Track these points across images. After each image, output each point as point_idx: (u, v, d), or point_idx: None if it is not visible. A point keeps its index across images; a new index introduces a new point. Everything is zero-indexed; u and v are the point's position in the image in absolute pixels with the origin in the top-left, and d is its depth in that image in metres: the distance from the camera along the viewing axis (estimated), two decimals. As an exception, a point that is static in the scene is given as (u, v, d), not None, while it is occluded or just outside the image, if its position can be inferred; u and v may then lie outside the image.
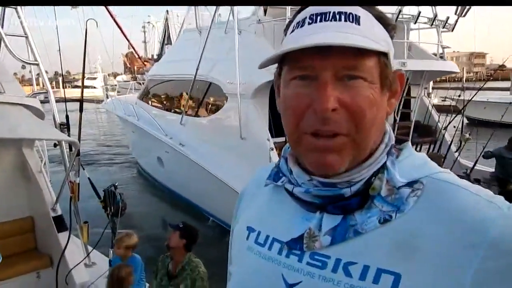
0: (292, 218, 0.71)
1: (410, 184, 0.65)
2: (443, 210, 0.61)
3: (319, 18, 0.63)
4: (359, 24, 0.62)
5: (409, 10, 7.06)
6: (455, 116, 7.20)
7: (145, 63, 43.27)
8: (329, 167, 0.64)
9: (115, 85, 22.33)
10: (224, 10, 8.18)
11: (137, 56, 44.37)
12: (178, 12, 38.08)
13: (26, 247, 4.36)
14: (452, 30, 7.51)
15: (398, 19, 6.83)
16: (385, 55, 0.65)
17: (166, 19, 36.83)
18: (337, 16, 0.63)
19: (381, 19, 0.66)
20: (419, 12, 6.94)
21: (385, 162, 0.67)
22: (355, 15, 0.63)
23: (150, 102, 10.98)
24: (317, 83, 0.62)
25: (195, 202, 8.00)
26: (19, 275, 4.05)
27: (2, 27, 4.16)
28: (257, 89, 6.44)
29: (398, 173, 0.66)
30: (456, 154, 7.17)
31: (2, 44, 4.43)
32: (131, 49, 44.92)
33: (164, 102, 10.39)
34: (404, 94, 7.71)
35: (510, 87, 20.21)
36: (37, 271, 4.19)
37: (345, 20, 0.62)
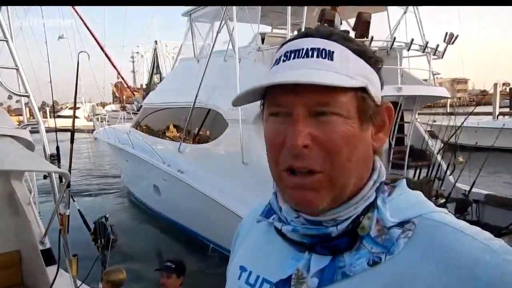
0: (282, 257, 0.70)
1: (401, 224, 0.62)
2: (435, 254, 0.58)
3: (292, 55, 0.64)
4: (331, 59, 0.62)
5: (399, 37, 7.30)
6: (447, 140, 7.35)
7: (134, 92, 43.52)
8: (307, 204, 0.63)
9: (105, 115, 22.27)
10: (223, 38, 8.33)
11: (126, 86, 44.66)
12: (166, 42, 38.71)
13: (12, 282, 4.21)
14: (442, 57, 7.77)
15: (385, 47, 7.06)
16: (363, 89, 0.64)
17: (155, 49, 37.35)
18: (310, 53, 0.63)
19: (361, 52, 0.66)
20: (412, 40, 7.17)
21: (375, 200, 0.65)
22: (328, 50, 0.63)
23: (145, 130, 11.00)
24: (290, 120, 0.62)
25: (194, 229, 7.89)
26: None
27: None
28: (258, 114, 6.51)
29: (389, 212, 0.64)
30: (451, 177, 7.27)
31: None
32: (120, 79, 45.27)
33: (160, 130, 10.41)
34: (398, 119, 7.88)
35: (492, 112, 20.71)
36: (23, 307, 4.05)
37: (317, 56, 0.63)
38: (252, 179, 6.18)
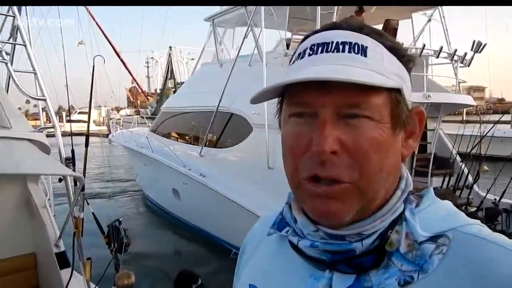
0: (298, 276, 0.64)
1: (433, 238, 0.57)
2: (475, 274, 0.52)
3: (320, 48, 0.58)
4: (365, 55, 0.57)
5: (422, 44, 7.30)
6: (472, 148, 7.26)
7: (148, 97, 43.98)
8: (332, 216, 0.57)
9: (119, 119, 22.56)
10: (247, 43, 8.39)
11: (140, 91, 45.17)
12: (181, 47, 39.12)
13: (27, 285, 4.25)
14: (469, 65, 7.73)
15: (414, 55, 7.11)
16: (398, 90, 0.58)
17: (169, 55, 37.75)
18: (340, 47, 0.57)
19: (395, 50, 0.60)
20: (441, 47, 7.21)
21: (403, 212, 0.59)
22: (361, 45, 0.57)
23: (164, 134, 11.08)
24: (316, 122, 0.57)
25: (215, 234, 7.89)
26: None
27: (12, 64, 4.23)
28: None
29: (419, 225, 0.58)
30: (475, 186, 7.19)
31: (10, 80, 4.52)
32: (135, 84, 45.83)
33: (180, 134, 10.49)
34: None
35: (510, 121, 20.29)
36: (38, 309, 4.08)
37: (349, 51, 0.57)
38: (278, 184, 6.16)
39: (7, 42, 4.15)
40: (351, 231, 0.59)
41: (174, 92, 34.19)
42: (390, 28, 7.78)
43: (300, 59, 0.60)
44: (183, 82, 34.82)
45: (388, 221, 0.58)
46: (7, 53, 4.11)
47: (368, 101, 0.55)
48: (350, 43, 0.57)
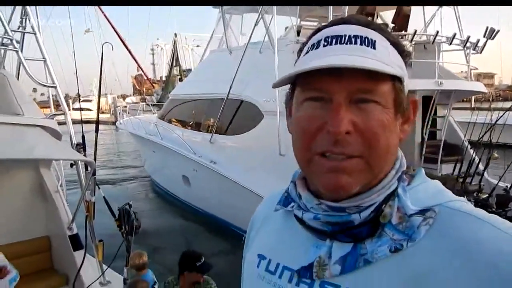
0: (302, 245, 0.70)
1: (422, 212, 0.63)
2: (456, 241, 0.59)
3: (334, 40, 0.64)
4: (374, 48, 0.63)
5: (433, 31, 7.25)
6: (483, 135, 7.23)
7: (154, 84, 43.97)
8: (341, 188, 0.63)
9: (125, 106, 22.65)
10: (257, 30, 8.38)
11: (146, 78, 45.16)
12: (186, 34, 38.89)
13: (42, 266, 4.41)
14: (481, 52, 7.65)
15: (427, 41, 7.09)
16: (399, 80, 0.65)
17: (175, 42, 37.54)
18: (353, 40, 0.63)
19: (396, 45, 0.67)
20: (454, 34, 7.14)
21: (396, 189, 0.66)
22: (371, 39, 0.63)
23: (173, 121, 11.13)
24: (331, 106, 0.62)
25: (226, 219, 7.96)
26: None
27: (22, 52, 4.31)
28: None
29: (409, 201, 0.64)
30: (486, 174, 7.17)
31: (21, 68, 4.60)
32: (140, 71, 45.80)
33: (189, 121, 10.52)
34: (432, 113, 7.86)
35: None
36: (54, 289, 4.23)
37: (361, 44, 0.62)
38: (290, 171, 6.21)
39: (17, 31, 4.22)
40: (350, 204, 0.64)
41: (180, 79, 34.14)
42: (403, 15, 7.73)
43: (315, 49, 0.65)
44: (189, 69, 34.80)
45: (383, 196, 0.65)
46: (17, 41, 4.18)
47: (377, 88, 0.62)
48: (361, 36, 0.63)
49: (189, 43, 38.24)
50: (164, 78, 41.45)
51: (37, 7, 4.51)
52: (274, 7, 7.32)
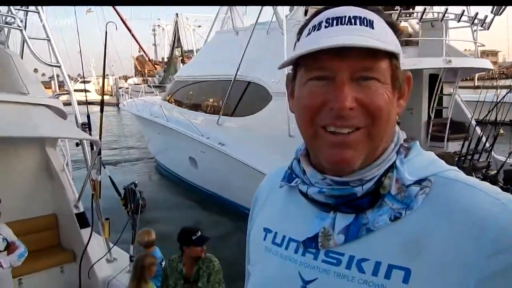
0: (307, 218, 0.73)
1: (418, 182, 0.67)
2: (450, 207, 0.63)
3: (335, 21, 0.66)
4: (373, 28, 0.65)
5: (433, 8, 7.16)
6: (488, 112, 7.23)
7: (156, 66, 43.73)
8: (345, 162, 0.66)
9: (127, 88, 22.58)
10: (265, 10, 8.29)
11: (147, 59, 44.88)
12: (187, 14, 38.45)
13: (50, 243, 4.49)
14: (488, 28, 7.56)
15: (437, 19, 7.02)
16: (396, 58, 0.68)
17: (176, 22, 37.16)
18: (353, 20, 0.65)
19: (391, 24, 0.69)
20: (463, 11, 7.03)
21: (395, 161, 0.69)
22: (369, 19, 0.66)
23: (178, 103, 11.06)
24: (334, 83, 0.64)
25: (234, 201, 7.98)
26: (44, 269, 4.19)
27: (25, 30, 4.30)
28: None
29: (407, 172, 0.68)
30: (493, 153, 7.18)
31: (25, 47, 4.59)
32: (142, 52, 45.49)
33: (196, 103, 10.46)
34: (438, 91, 7.84)
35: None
36: (61, 265, 4.33)
37: (360, 24, 0.65)
38: None
39: (21, 9, 4.20)
40: (354, 178, 0.68)
41: (182, 60, 33.94)
42: None
43: (317, 30, 0.67)
44: (190, 50, 34.55)
45: (383, 169, 0.68)
46: (21, 20, 4.16)
47: (377, 66, 0.65)
48: (360, 17, 0.66)
49: (190, 24, 37.81)
50: (166, 60, 41.21)
51: None
52: None
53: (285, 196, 0.81)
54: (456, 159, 6.94)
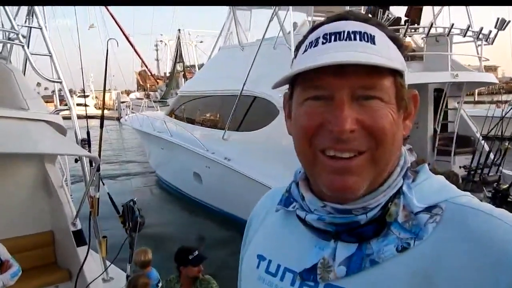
0: (304, 246, 0.68)
1: (428, 209, 0.61)
2: (464, 237, 0.58)
3: (333, 37, 0.62)
4: (374, 43, 0.61)
5: (442, 23, 7.29)
6: (494, 127, 7.25)
7: (158, 80, 44.04)
8: (349, 190, 0.61)
9: (129, 102, 22.73)
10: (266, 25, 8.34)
11: (149, 74, 45.22)
12: (189, 30, 38.91)
13: (45, 261, 4.41)
14: (492, 43, 7.68)
15: (443, 34, 7.08)
16: (400, 75, 0.63)
17: (178, 38, 37.59)
18: (352, 36, 0.61)
19: (394, 39, 0.65)
20: (468, 26, 7.15)
21: (401, 187, 0.64)
22: (370, 34, 0.61)
23: (182, 118, 11.04)
24: (333, 103, 0.60)
25: (240, 216, 7.79)
26: None
27: (28, 47, 4.31)
28: None
29: (415, 198, 0.63)
30: (500, 166, 7.19)
31: (27, 63, 4.60)
32: (144, 67, 45.86)
33: (200, 118, 10.45)
34: (443, 106, 7.88)
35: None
36: (56, 285, 4.23)
37: (360, 40, 0.61)
38: None
39: (24, 26, 4.22)
40: (357, 206, 0.63)
41: (184, 75, 34.20)
42: (415, 8, 7.76)
43: (314, 47, 0.63)
44: (192, 65, 34.86)
45: (389, 195, 0.63)
46: (23, 36, 4.17)
47: (379, 84, 0.60)
48: (360, 32, 0.61)
49: (192, 39, 38.28)
50: (168, 74, 41.52)
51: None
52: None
53: (282, 221, 0.76)
54: (466, 173, 6.93)
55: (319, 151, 0.62)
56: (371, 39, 0.61)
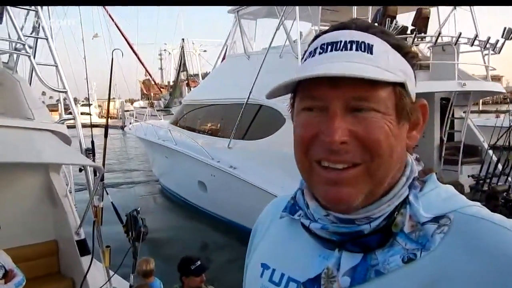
0: (308, 255, 0.68)
1: (435, 219, 0.60)
2: (473, 249, 0.57)
3: (329, 47, 0.62)
4: (371, 53, 0.60)
5: (448, 32, 7.32)
6: (501, 136, 7.24)
7: (161, 89, 44.26)
8: (342, 201, 0.60)
9: (132, 110, 22.86)
10: (271, 34, 8.41)
11: (153, 83, 45.46)
12: (193, 39, 39.19)
13: (49, 270, 4.41)
14: (499, 52, 7.68)
15: (450, 43, 7.12)
16: (402, 85, 0.62)
17: (182, 47, 37.85)
18: (348, 46, 0.61)
19: (399, 47, 0.64)
20: (476, 35, 7.20)
21: (408, 196, 0.63)
22: (368, 44, 0.61)
23: (187, 127, 11.07)
24: (327, 114, 0.60)
25: (246, 225, 7.79)
26: None
27: (34, 57, 4.35)
28: None
29: (422, 208, 0.62)
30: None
31: (33, 73, 4.64)
32: (148, 76, 46.10)
33: (205, 127, 10.47)
34: (450, 115, 7.88)
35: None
36: (59, 294, 4.23)
37: (357, 50, 0.60)
38: None
39: (30, 36, 4.26)
40: (360, 215, 0.62)
41: (187, 84, 34.38)
42: (422, 17, 7.79)
43: (311, 57, 0.63)
44: (196, 74, 35.06)
45: (394, 205, 0.62)
46: (30, 47, 4.21)
47: (374, 95, 0.59)
48: (357, 41, 0.61)
49: (196, 48, 38.53)
50: (171, 83, 41.74)
51: (49, 12, 4.56)
52: (297, 11, 7.28)
53: (286, 229, 0.76)
54: (474, 182, 6.89)
55: (315, 162, 0.62)
56: (369, 49, 0.60)
